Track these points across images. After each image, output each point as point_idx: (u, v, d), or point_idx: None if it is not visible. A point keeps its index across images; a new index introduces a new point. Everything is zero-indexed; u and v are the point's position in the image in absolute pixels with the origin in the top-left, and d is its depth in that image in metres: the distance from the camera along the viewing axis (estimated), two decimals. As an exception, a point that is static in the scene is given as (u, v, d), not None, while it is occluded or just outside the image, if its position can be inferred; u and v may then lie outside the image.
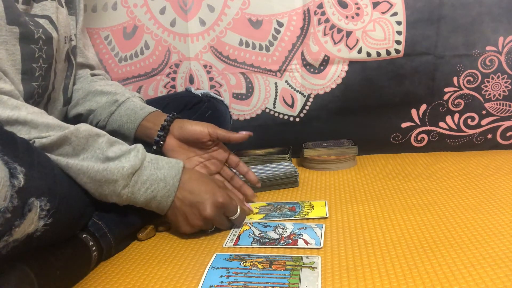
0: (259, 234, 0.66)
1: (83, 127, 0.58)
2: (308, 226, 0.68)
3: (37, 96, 0.66)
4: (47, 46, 0.65)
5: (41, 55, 0.64)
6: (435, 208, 0.73)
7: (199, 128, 0.74)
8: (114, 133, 0.73)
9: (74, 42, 0.78)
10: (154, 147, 0.74)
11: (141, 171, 0.61)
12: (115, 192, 0.59)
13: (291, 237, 0.65)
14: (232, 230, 0.69)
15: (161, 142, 0.74)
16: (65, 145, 0.56)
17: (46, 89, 0.68)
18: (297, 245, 0.62)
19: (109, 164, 0.58)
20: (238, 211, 0.67)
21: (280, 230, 0.67)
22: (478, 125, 1.12)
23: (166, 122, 0.74)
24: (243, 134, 0.76)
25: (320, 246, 0.61)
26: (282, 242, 0.63)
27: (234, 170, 0.82)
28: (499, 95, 1.08)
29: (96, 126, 0.76)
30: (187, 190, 0.64)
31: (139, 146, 0.63)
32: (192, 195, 0.64)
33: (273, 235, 0.66)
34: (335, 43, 1.10)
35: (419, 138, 1.16)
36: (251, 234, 0.66)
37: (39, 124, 0.55)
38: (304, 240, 0.63)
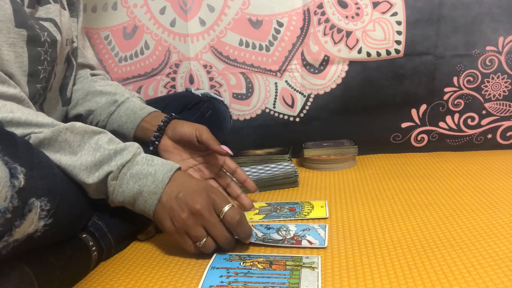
0: (262, 235, 0.66)
1: (78, 123, 0.57)
2: (311, 227, 0.68)
3: (38, 97, 0.67)
4: (52, 49, 0.66)
5: (46, 57, 0.65)
6: (435, 208, 0.73)
7: (187, 129, 0.73)
8: (113, 133, 0.73)
9: (76, 43, 0.79)
10: (151, 148, 0.74)
11: (131, 164, 0.58)
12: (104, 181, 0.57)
13: (295, 238, 0.64)
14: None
15: (156, 142, 0.74)
16: (61, 142, 0.55)
17: (45, 90, 0.69)
18: (301, 245, 0.62)
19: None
20: (227, 208, 0.58)
21: (284, 232, 0.67)
22: (478, 125, 1.12)
23: (162, 123, 0.74)
24: (224, 149, 0.72)
25: (325, 246, 0.61)
26: (286, 242, 0.63)
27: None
28: (499, 95, 1.08)
29: (96, 126, 0.76)
30: (176, 185, 0.59)
31: (136, 144, 0.61)
32: (180, 188, 0.59)
33: (276, 236, 0.65)
34: (335, 43, 1.10)
35: (419, 138, 1.16)
36: (254, 235, 0.66)
37: (33, 124, 0.54)
38: (308, 240, 0.63)
